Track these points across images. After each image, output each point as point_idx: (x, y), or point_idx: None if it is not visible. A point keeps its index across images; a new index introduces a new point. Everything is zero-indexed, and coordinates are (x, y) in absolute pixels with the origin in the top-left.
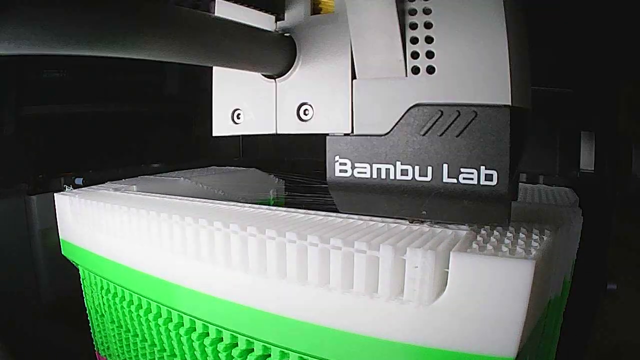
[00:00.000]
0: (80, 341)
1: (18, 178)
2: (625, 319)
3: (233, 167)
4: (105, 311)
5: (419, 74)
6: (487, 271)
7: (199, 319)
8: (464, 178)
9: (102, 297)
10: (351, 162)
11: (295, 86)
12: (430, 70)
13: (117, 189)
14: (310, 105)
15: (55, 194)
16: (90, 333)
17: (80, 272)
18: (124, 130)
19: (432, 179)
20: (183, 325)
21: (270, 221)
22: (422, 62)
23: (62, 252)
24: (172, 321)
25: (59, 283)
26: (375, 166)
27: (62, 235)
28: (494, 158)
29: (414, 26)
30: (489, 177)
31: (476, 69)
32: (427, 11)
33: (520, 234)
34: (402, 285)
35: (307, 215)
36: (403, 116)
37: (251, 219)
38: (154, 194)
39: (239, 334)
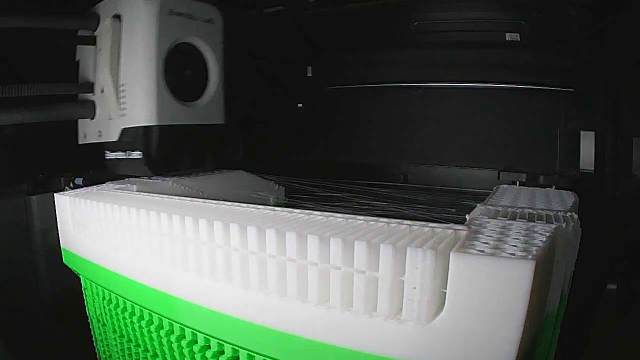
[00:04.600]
0: (80, 341)
1: (18, 178)
2: (625, 319)
3: (218, 170)
4: (107, 321)
5: None
6: (487, 271)
7: (200, 332)
8: None
9: (104, 307)
10: None
11: None
12: None
13: (117, 190)
14: None
15: (55, 194)
16: (90, 333)
17: (82, 281)
18: None
19: None
20: (185, 338)
21: (270, 221)
22: None
23: (64, 261)
24: (173, 333)
25: (59, 283)
26: None
27: (63, 243)
28: None
29: None
30: None
31: None
32: None
33: (520, 237)
34: (401, 304)
35: (307, 215)
36: None
37: (252, 219)
38: (153, 195)
39: (240, 347)
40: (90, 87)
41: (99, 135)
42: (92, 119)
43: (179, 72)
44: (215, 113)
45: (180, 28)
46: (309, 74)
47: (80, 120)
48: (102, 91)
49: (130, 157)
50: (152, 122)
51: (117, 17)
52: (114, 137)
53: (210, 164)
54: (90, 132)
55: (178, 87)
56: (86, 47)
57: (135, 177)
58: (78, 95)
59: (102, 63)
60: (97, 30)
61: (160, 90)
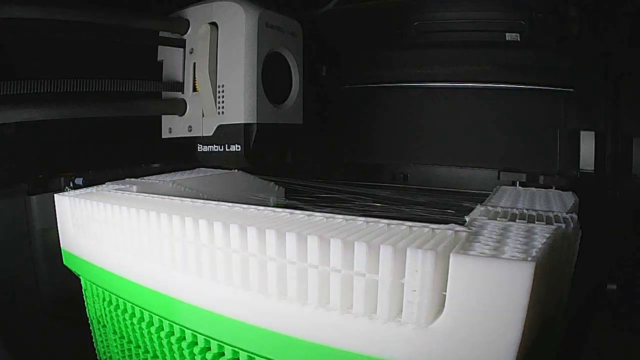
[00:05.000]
0: (81, 342)
1: (18, 178)
2: (625, 320)
3: (217, 170)
4: (107, 322)
5: None
6: (487, 273)
7: (200, 333)
8: None
9: (104, 308)
10: None
11: None
12: None
13: (117, 190)
14: None
15: (55, 195)
16: (90, 334)
17: (82, 283)
18: (124, 130)
19: None
20: (185, 339)
21: (270, 221)
22: None
23: (64, 262)
24: (174, 335)
25: (59, 283)
26: None
27: (64, 244)
28: None
29: None
30: None
31: None
32: None
33: (520, 238)
34: (401, 306)
35: (307, 216)
36: None
37: (252, 220)
38: (153, 196)
39: (240, 349)
40: (179, 86)
41: (189, 130)
42: (182, 115)
43: (270, 77)
44: (296, 114)
45: (273, 38)
46: (323, 73)
47: (165, 116)
48: (195, 90)
49: (228, 150)
50: (252, 120)
51: (214, 24)
52: (209, 132)
53: (290, 157)
54: (178, 127)
55: (270, 90)
56: (169, 48)
57: (226, 168)
58: (162, 93)
59: (200, 65)
60: (187, 34)
61: (259, 93)
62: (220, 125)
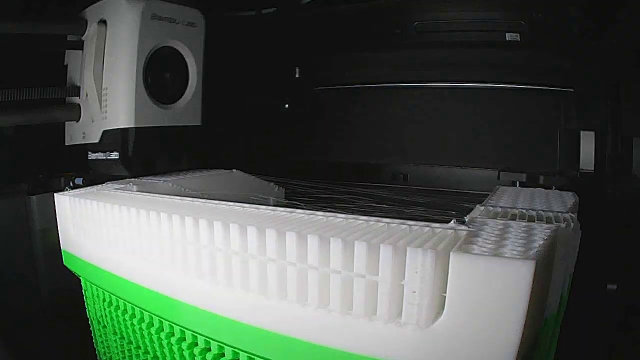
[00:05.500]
0: (81, 342)
1: (18, 178)
2: (625, 320)
3: (214, 170)
4: (107, 322)
5: None
6: (487, 272)
7: (200, 334)
8: None
9: (104, 309)
10: None
11: None
12: None
13: (118, 190)
14: None
15: (55, 194)
16: (91, 334)
17: (82, 283)
18: None
19: None
20: (185, 340)
21: (270, 220)
22: None
23: (64, 263)
24: (174, 335)
25: (59, 283)
26: None
27: (64, 245)
28: None
29: None
30: None
31: None
32: None
33: (520, 238)
34: (401, 307)
35: (307, 215)
36: None
37: (252, 219)
38: (154, 195)
39: (240, 350)
40: (76, 90)
41: (83, 137)
42: (77, 121)
43: (160, 75)
44: (192, 115)
45: (162, 32)
46: (297, 75)
47: (67, 122)
48: (87, 95)
49: (109, 157)
50: (129, 124)
51: (103, 22)
52: (96, 139)
53: (187, 164)
54: (75, 134)
55: (159, 90)
56: (74, 51)
57: (116, 177)
58: (66, 99)
59: (87, 67)
60: (84, 35)
61: (139, 93)
62: (105, 130)
